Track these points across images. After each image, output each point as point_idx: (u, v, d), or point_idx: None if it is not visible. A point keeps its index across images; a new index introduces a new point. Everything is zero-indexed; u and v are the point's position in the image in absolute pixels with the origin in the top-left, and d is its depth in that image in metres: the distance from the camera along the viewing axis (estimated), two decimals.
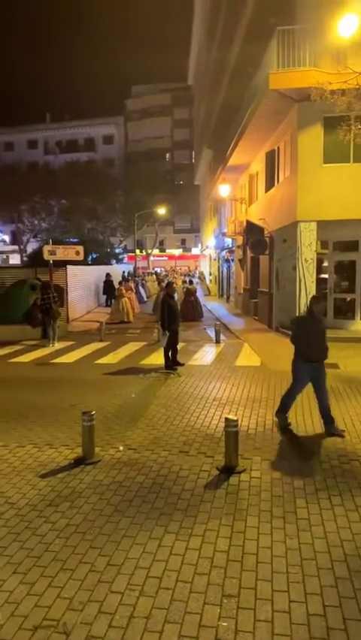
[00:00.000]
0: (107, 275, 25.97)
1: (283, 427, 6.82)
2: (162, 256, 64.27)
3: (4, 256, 59.40)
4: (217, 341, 14.24)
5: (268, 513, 4.47)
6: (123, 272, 34.27)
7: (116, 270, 31.42)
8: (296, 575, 3.58)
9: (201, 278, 36.73)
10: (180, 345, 11.69)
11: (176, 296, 13.27)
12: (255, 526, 4.26)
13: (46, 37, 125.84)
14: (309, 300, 7.09)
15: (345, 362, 11.07)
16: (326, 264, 15.37)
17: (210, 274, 38.93)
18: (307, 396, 8.39)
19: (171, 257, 64.75)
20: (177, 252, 65.49)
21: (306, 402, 8.04)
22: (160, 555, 3.85)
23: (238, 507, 4.59)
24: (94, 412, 5.71)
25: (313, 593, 3.38)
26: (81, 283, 21.91)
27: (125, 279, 27.06)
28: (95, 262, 30.61)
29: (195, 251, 63.37)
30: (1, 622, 3.14)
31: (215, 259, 36.84)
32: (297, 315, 14.01)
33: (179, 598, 3.35)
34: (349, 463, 5.58)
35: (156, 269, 54.19)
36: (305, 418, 7.22)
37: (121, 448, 6.11)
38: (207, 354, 12.55)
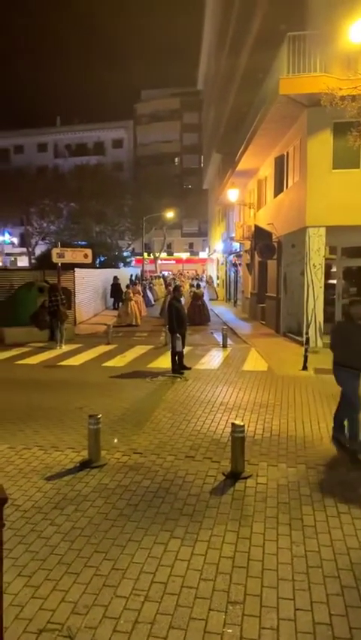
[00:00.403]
0: (115, 278, 26.04)
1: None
2: (170, 260, 64.29)
3: (13, 258, 59.71)
4: (224, 345, 14.23)
5: (274, 519, 4.45)
6: (131, 275, 34.32)
7: (124, 274, 31.49)
8: (302, 583, 3.56)
9: (209, 282, 36.46)
10: (186, 349, 11.69)
11: (183, 300, 13.27)
12: (261, 532, 4.24)
13: (57, 42, 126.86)
14: (348, 303, 6.77)
15: None
16: (334, 269, 15.32)
17: (218, 278, 38.88)
18: (313, 400, 8.36)
19: (178, 260, 64.75)
20: (185, 255, 65.47)
21: (313, 407, 8.01)
22: (165, 560, 3.84)
23: (244, 513, 4.57)
24: (100, 416, 5.71)
25: (319, 602, 3.36)
26: (89, 286, 21.99)
27: (132, 283, 27.13)
28: (102, 265, 30.70)
29: (202, 255, 63.41)
30: (6, 625, 3.13)
31: (222, 263, 36.81)
32: (303, 320, 14.00)
33: (184, 604, 3.34)
34: (356, 471, 5.54)
35: (163, 272, 54.22)
36: (313, 424, 7.19)
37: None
38: (214, 359, 12.53)
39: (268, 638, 3.02)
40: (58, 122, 69.06)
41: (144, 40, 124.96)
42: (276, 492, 4.99)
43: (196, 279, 41.92)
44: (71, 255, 16.95)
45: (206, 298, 25.66)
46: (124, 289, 22.47)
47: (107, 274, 26.60)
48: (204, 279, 46.79)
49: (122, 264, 37.51)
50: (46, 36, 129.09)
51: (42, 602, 3.36)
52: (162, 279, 40.94)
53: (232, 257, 30.53)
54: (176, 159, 65.66)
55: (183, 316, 11.15)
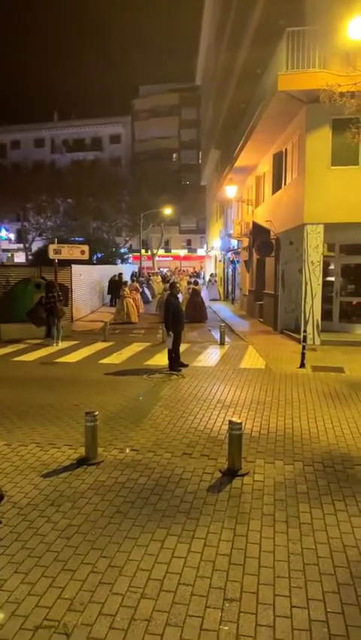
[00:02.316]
0: (120, 275, 25.94)
1: None
2: (167, 256, 64.23)
3: (9, 254, 59.59)
4: (222, 343, 14.21)
5: (270, 517, 4.45)
6: (133, 271, 34.17)
7: (125, 270, 31.41)
8: (298, 580, 3.56)
9: (212, 281, 35.32)
10: (184, 347, 11.67)
11: (181, 296, 13.24)
12: (257, 529, 4.24)
13: (54, 37, 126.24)
14: None
15: (350, 366, 11.04)
16: (332, 266, 15.33)
17: (215, 275, 38.75)
18: (310, 398, 8.37)
19: (176, 257, 64.67)
20: (183, 252, 65.41)
21: (310, 405, 8.02)
22: (162, 557, 3.83)
23: (241, 510, 4.57)
24: (97, 413, 5.70)
25: (315, 599, 3.36)
26: (86, 282, 21.94)
27: (132, 280, 27.10)
28: (100, 262, 30.65)
29: (200, 252, 63.33)
30: (2, 622, 3.13)
31: (220, 260, 36.70)
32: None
33: (180, 601, 3.34)
34: (353, 468, 5.55)
35: (161, 269, 54.12)
36: (310, 422, 7.19)
37: (128, 450, 6.12)
38: (211, 356, 12.53)
39: (264, 635, 3.02)
40: (55, 118, 68.70)
41: (142, 35, 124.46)
42: (273, 489, 5.00)
43: (194, 275, 41.72)
44: (68, 252, 16.90)
45: (207, 297, 25.30)
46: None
47: (105, 271, 26.52)
48: (202, 275, 46.52)
49: (119, 260, 37.42)
50: (43, 31, 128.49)
51: (38, 599, 3.35)
52: (159, 276, 40.80)
53: (229, 254, 30.49)
54: (174, 155, 65.44)
55: (180, 313, 11.11)
